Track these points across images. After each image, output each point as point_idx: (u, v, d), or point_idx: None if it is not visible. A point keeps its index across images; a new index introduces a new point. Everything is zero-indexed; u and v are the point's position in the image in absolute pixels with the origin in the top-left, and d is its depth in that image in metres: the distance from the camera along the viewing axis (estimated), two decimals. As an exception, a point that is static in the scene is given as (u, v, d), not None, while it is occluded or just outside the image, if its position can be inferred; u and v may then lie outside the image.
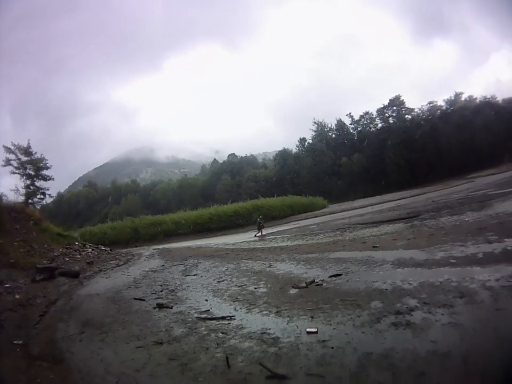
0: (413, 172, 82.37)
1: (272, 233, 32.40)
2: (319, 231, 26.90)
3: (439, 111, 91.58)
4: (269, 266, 14.01)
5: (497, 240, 10.86)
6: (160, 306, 10.12)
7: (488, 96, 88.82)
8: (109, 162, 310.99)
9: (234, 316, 8.34)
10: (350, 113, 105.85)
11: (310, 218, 45.96)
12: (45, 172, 53.51)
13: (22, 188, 50.17)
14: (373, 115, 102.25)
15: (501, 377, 4.35)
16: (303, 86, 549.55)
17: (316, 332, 6.57)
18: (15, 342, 7.60)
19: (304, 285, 10.09)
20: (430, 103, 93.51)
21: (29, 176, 51.83)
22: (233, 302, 9.68)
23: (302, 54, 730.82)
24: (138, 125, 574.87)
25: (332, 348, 5.87)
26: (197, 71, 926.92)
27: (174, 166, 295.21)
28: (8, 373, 6.27)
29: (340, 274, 10.57)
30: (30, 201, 49.96)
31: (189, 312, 9.23)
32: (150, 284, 13.78)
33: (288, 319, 7.58)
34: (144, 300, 11.14)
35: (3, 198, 30.42)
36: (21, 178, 51.37)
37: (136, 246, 40.03)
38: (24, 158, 51.90)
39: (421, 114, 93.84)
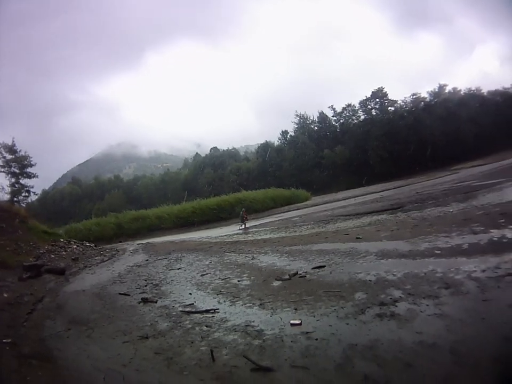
0: (397, 163, 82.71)
1: (255, 226, 32.61)
2: (302, 223, 27.02)
3: (422, 103, 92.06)
4: (252, 259, 14.01)
5: (483, 231, 10.83)
6: (144, 300, 10.10)
7: (473, 88, 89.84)
8: (92, 159, 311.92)
9: (218, 309, 8.33)
10: (332, 105, 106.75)
11: (293, 210, 46.30)
12: (29, 170, 53.56)
13: (7, 186, 50.05)
14: (355, 107, 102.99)
15: (489, 368, 4.34)
16: (285, 79, 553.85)
17: (300, 324, 6.55)
18: (4, 340, 7.48)
19: (288, 277, 10.07)
20: (413, 95, 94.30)
21: (13, 174, 51.79)
22: (217, 295, 9.68)
23: (284, 47, 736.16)
24: (120, 121, 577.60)
25: (316, 339, 5.85)
26: (179, 66, 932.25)
27: (156, 160, 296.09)
28: None
29: (323, 266, 10.55)
30: (15, 199, 49.86)
31: (173, 306, 9.22)
32: (134, 279, 13.76)
33: (272, 311, 7.58)
34: (129, 295, 11.11)
35: (-12, 197, 30.45)
36: (6, 177, 51.27)
37: (120, 242, 39.67)
38: (9, 156, 51.82)
39: (404, 106, 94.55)
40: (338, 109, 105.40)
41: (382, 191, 44.54)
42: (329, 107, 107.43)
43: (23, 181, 53.54)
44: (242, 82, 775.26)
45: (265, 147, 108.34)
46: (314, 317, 6.82)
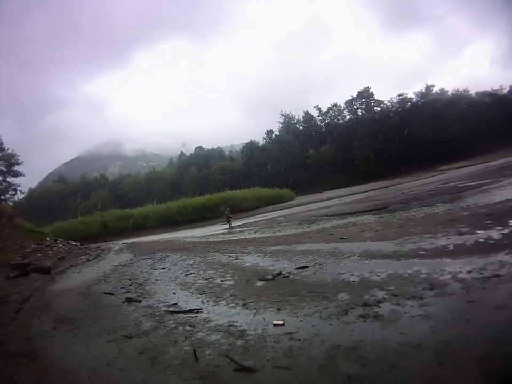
0: (382, 163, 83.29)
1: (239, 226, 32.84)
2: (286, 223, 27.15)
3: (409, 103, 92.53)
4: (235, 259, 13.98)
5: (469, 232, 10.82)
6: (129, 300, 10.07)
7: (461, 89, 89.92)
8: (78, 157, 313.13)
9: (201, 309, 8.29)
10: (317, 105, 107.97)
11: (278, 210, 46.60)
12: (16, 168, 53.43)
13: (-6, 185, 49.97)
14: (341, 107, 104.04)
15: (474, 369, 4.33)
16: (271, 78, 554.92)
17: (283, 324, 6.51)
18: (-8, 339, 7.52)
19: (271, 277, 10.04)
20: (400, 95, 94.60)
21: (0, 172, 51.56)
22: (201, 295, 9.64)
23: (271, 46, 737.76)
24: (107, 119, 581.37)
25: (299, 340, 5.80)
26: (165, 64, 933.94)
27: (141, 159, 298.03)
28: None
29: (307, 266, 10.50)
30: (2, 197, 49.85)
31: (157, 306, 9.18)
32: (119, 278, 13.77)
33: (255, 311, 7.54)
34: (113, 295, 11.10)
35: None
36: (-8, 175, 51.16)
37: (106, 241, 40.11)
38: (-5, 155, 51.65)
39: (391, 107, 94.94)
40: (324, 109, 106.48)
41: (367, 191, 44.85)
42: (314, 107, 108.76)
43: (10, 179, 53.48)
44: (228, 81, 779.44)
45: (250, 146, 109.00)
46: (297, 317, 6.79)
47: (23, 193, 68.75)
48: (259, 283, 9.82)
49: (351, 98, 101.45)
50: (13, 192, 56.37)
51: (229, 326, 6.96)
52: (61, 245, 26.79)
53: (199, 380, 5.14)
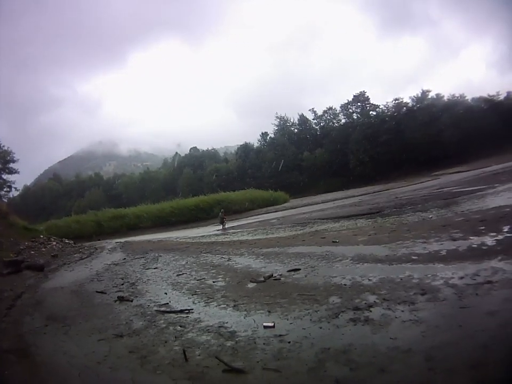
0: (377, 168, 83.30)
1: (232, 227, 33.02)
2: (279, 225, 27.34)
3: (404, 108, 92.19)
4: (228, 260, 14.01)
5: (462, 238, 10.81)
6: (121, 299, 10.12)
7: (457, 95, 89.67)
8: (73, 156, 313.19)
9: (192, 309, 8.32)
10: (313, 108, 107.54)
11: (271, 212, 46.96)
12: (11, 165, 53.39)
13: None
14: (336, 111, 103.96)
15: (464, 375, 4.32)
16: (265, 79, 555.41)
17: (273, 326, 6.52)
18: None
19: (263, 279, 10.07)
20: (395, 100, 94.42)
21: (-5, 169, 51.53)
22: (192, 295, 9.67)
23: (266, 48, 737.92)
24: (101, 119, 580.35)
25: (289, 342, 5.81)
26: (160, 65, 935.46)
27: (136, 159, 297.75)
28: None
29: (299, 269, 10.52)
30: (-4, 194, 49.70)
31: (148, 305, 9.21)
32: (111, 277, 13.81)
33: (246, 313, 7.56)
34: (105, 293, 11.16)
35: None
36: (-13, 172, 51.14)
37: (99, 240, 40.13)
38: (-9, 152, 51.65)
39: (386, 111, 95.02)
40: (319, 112, 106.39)
41: (361, 195, 45.24)
42: (309, 110, 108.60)
43: (5, 176, 53.48)
44: (223, 82, 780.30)
45: (244, 148, 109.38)
46: (287, 319, 6.79)
47: (17, 190, 68.96)
48: (250, 285, 9.84)
49: (346, 102, 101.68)
50: (8, 189, 56.58)
51: (219, 327, 6.98)
52: (55, 243, 26.90)
53: (188, 380, 5.16)
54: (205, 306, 8.56)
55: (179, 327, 7.29)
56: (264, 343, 5.93)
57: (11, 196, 66.63)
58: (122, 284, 12.25)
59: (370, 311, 6.51)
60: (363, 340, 5.47)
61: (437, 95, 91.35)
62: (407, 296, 6.89)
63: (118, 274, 14.20)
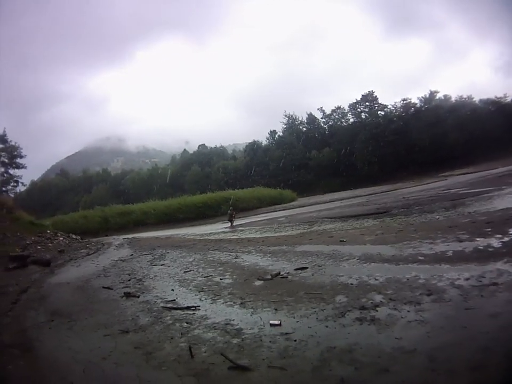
0: (384, 168, 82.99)
1: (240, 225, 32.77)
2: (287, 223, 27.19)
3: (412, 108, 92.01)
4: (235, 258, 14.00)
5: (468, 239, 10.83)
6: (127, 295, 10.08)
7: (465, 96, 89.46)
8: (80, 151, 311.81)
9: (199, 306, 8.32)
10: (321, 107, 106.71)
11: (279, 210, 46.55)
12: (18, 160, 53.36)
13: (-4, 176, 49.98)
14: (344, 110, 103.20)
15: (465, 376, 4.33)
16: (275, 79, 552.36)
17: (280, 324, 6.52)
18: (-13, 330, 7.52)
19: (270, 277, 10.08)
20: (403, 100, 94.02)
21: (3, 164, 51.66)
22: (199, 292, 9.67)
23: (274, 47, 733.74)
24: (108, 115, 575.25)
25: (295, 340, 5.81)
26: (168, 62, 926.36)
27: (144, 156, 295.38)
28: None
29: (306, 268, 10.53)
30: (3, 189, 49.83)
31: (155, 302, 9.20)
32: (118, 273, 13.74)
33: (252, 310, 7.57)
34: (112, 289, 11.11)
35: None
36: (-5, 166, 51.17)
37: (107, 235, 39.85)
38: (-1, 146, 51.70)
39: (394, 111, 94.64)
40: (328, 111, 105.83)
41: (369, 194, 44.87)
42: (318, 109, 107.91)
43: (12, 171, 53.50)
44: (231, 80, 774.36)
45: (253, 146, 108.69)
46: (294, 318, 6.80)
47: (24, 185, 68.80)
48: (257, 282, 9.84)
49: (355, 101, 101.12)
50: (15, 184, 56.46)
51: (226, 324, 6.97)
52: (62, 238, 26.80)
53: (193, 376, 5.14)
54: (211, 303, 8.57)
55: (185, 324, 7.29)
56: (270, 341, 5.95)
57: (18, 191, 66.58)
58: (129, 280, 12.22)
59: (377, 310, 6.54)
60: (369, 340, 5.49)
61: (445, 96, 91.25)
62: (413, 296, 6.91)
63: (125, 270, 14.17)
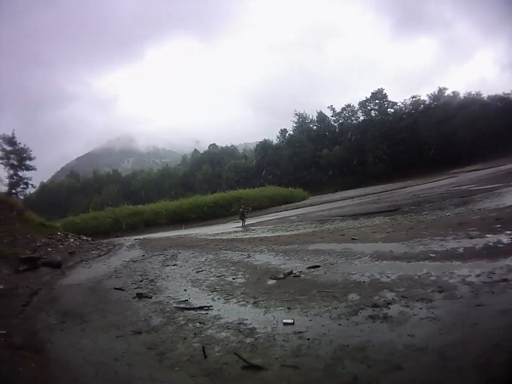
0: (394, 165, 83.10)
1: (252, 224, 32.77)
2: (298, 222, 27.21)
3: (422, 105, 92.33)
4: (247, 257, 13.97)
5: (479, 236, 10.81)
6: (139, 296, 10.08)
7: (473, 93, 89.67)
8: (90, 153, 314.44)
9: (212, 306, 8.33)
10: (331, 105, 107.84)
11: (290, 209, 46.49)
12: (28, 162, 53.55)
13: (6, 178, 50.17)
14: (354, 108, 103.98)
15: (473, 373, 4.32)
16: (285, 77, 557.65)
17: (293, 323, 6.54)
18: (-1, 331, 7.53)
19: (282, 276, 10.07)
20: (413, 97, 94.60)
21: (12, 166, 51.85)
22: (211, 292, 9.68)
23: (279, 44, 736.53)
24: (117, 115, 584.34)
25: (308, 339, 5.84)
26: (178, 61, 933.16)
27: (154, 156, 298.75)
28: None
29: (318, 266, 10.53)
30: (13, 191, 50.00)
31: (167, 302, 9.21)
32: (130, 274, 13.72)
33: (265, 309, 7.58)
34: (124, 290, 11.11)
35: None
36: (4, 168, 51.39)
37: (118, 236, 39.77)
38: (8, 148, 51.91)
39: (404, 108, 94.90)
40: (338, 109, 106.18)
41: (379, 192, 44.89)
42: (328, 107, 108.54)
43: (22, 173, 53.69)
44: (242, 79, 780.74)
45: (263, 145, 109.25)
46: (307, 316, 6.82)
47: (34, 187, 69.08)
48: (270, 282, 9.86)
49: (365, 99, 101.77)
50: (24, 186, 56.70)
51: (239, 323, 7.01)
52: (72, 240, 26.65)
53: (207, 376, 5.18)
54: (224, 303, 8.60)
55: (198, 324, 7.31)
56: (283, 340, 5.97)
57: (27, 193, 66.87)
58: (141, 281, 12.22)
59: (389, 308, 6.57)
60: (381, 337, 5.52)
61: (453, 92, 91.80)
62: (425, 293, 6.92)
63: (137, 271, 14.16)
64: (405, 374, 4.49)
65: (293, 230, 22.31)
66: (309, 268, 10.55)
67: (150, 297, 9.90)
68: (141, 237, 32.53)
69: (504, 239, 9.92)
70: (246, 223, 34.08)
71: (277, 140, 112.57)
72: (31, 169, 56.09)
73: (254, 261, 13.07)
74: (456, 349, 4.77)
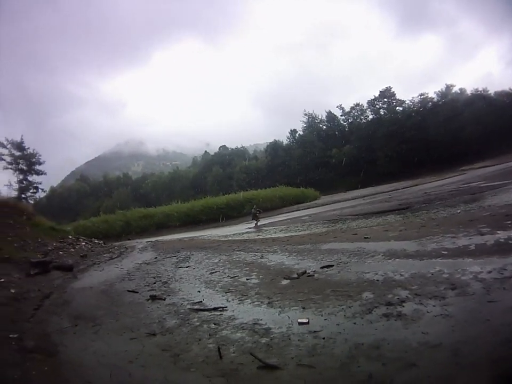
0: (404, 163, 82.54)
1: (264, 225, 32.87)
2: (311, 222, 27.25)
3: (430, 103, 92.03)
4: (261, 258, 13.99)
5: (489, 232, 10.83)
6: (153, 298, 10.10)
7: (480, 89, 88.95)
8: (99, 156, 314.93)
9: (226, 307, 8.34)
10: (340, 104, 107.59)
11: (302, 209, 46.45)
12: (37, 167, 53.74)
13: (15, 183, 50.37)
14: (363, 107, 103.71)
15: (487, 370, 4.33)
16: (291, 77, 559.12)
17: (308, 323, 6.56)
18: (10, 335, 7.48)
19: (296, 276, 10.09)
20: (421, 95, 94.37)
21: (21, 171, 52.10)
22: (226, 293, 9.69)
23: (286, 45, 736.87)
24: (127, 118, 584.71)
25: (323, 338, 5.87)
26: (186, 64, 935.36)
27: (164, 158, 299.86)
28: (4, 366, 6.17)
29: (332, 265, 10.55)
30: (23, 196, 50.26)
31: (181, 304, 9.22)
32: (143, 276, 13.75)
33: (280, 309, 7.59)
34: (137, 292, 11.12)
35: (-4, 193, 30.70)
36: (13, 173, 51.58)
37: (129, 239, 40.21)
38: (17, 153, 52.12)
39: (412, 106, 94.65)
40: (347, 109, 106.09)
41: (390, 191, 44.81)
42: (337, 106, 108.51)
43: (31, 177, 53.89)
44: (250, 81, 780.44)
45: (274, 146, 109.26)
46: (321, 316, 6.86)
47: (44, 191, 69.20)
48: (284, 282, 9.88)
49: (373, 98, 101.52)
50: (34, 191, 56.82)
51: (254, 324, 7.05)
52: (84, 243, 26.70)
53: (222, 377, 5.21)
54: (239, 303, 8.62)
55: (213, 325, 7.33)
56: (298, 339, 6.00)
57: (37, 197, 67.00)
58: (154, 283, 12.24)
59: (403, 306, 6.59)
60: (395, 335, 5.55)
61: (461, 89, 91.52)
62: (438, 291, 6.96)
63: (150, 273, 14.18)
64: (419, 371, 4.52)
65: (305, 230, 22.36)
66: (322, 267, 10.59)
67: (164, 299, 9.92)
68: (153, 239, 32.81)
69: (514, 235, 9.88)
70: (258, 224, 34.17)
71: (287, 140, 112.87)
72: (41, 174, 56.24)
73: (268, 261, 13.10)
74: (469, 346, 4.81)
